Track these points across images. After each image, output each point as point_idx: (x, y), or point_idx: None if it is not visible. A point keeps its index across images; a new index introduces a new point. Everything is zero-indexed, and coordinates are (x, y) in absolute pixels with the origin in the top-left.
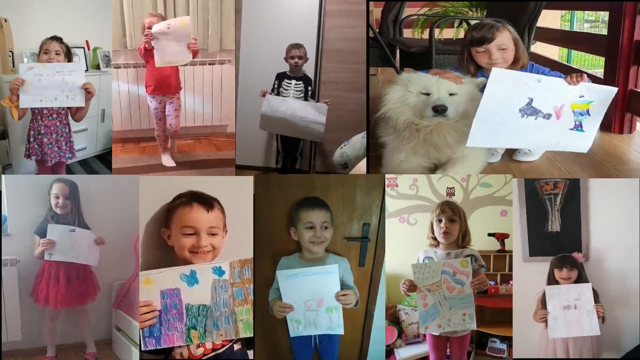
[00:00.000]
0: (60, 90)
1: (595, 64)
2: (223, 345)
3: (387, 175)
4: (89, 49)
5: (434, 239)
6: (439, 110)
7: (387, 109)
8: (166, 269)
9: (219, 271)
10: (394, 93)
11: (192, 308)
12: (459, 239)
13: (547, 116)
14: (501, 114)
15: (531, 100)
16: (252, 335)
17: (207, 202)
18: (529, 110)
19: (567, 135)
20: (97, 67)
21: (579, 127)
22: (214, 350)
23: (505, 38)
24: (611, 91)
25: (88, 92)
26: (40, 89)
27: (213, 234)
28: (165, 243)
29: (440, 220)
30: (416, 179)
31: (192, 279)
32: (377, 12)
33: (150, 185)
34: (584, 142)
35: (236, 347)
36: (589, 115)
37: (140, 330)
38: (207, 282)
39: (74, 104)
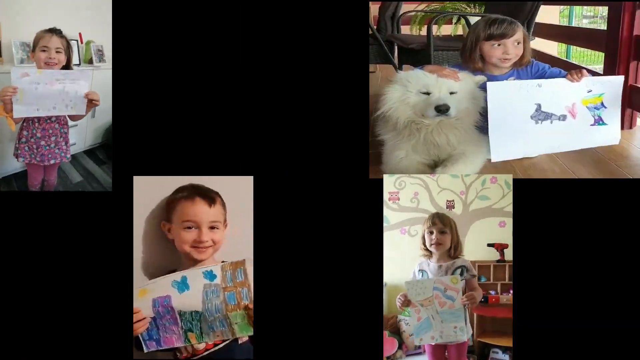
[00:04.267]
0: (60, 100)
1: (595, 60)
2: (224, 341)
3: (388, 190)
4: (82, 42)
5: (427, 249)
6: (442, 109)
7: (387, 108)
8: (159, 278)
9: (210, 275)
10: (393, 92)
11: (184, 314)
12: (451, 250)
13: (562, 117)
14: (513, 124)
15: (539, 105)
16: (250, 334)
17: (209, 196)
18: (541, 115)
19: (590, 132)
20: (90, 62)
21: (599, 121)
22: (215, 345)
23: (521, 34)
24: (617, 80)
25: (91, 102)
26: (37, 97)
27: (214, 228)
28: (165, 237)
29: (431, 232)
30: (417, 193)
31: (182, 285)
32: (374, 9)
33: (146, 185)
34: (610, 133)
35: (240, 340)
36: (605, 107)
37: (139, 335)
38: (198, 288)
39: (74, 113)
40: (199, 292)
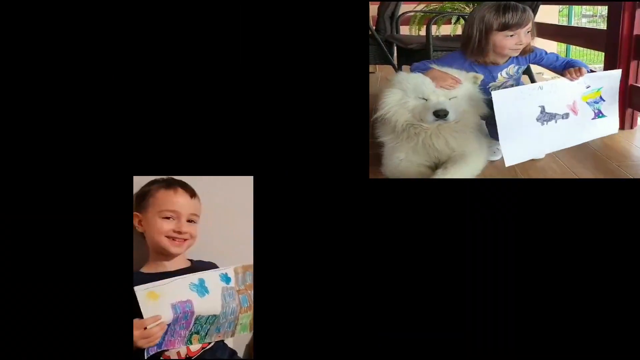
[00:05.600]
0: None
1: (595, 59)
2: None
3: None
4: None
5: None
6: (440, 114)
7: (386, 111)
8: (172, 279)
9: (226, 278)
10: (392, 96)
11: (201, 318)
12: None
13: (565, 116)
14: (521, 128)
15: (543, 107)
16: (245, 333)
17: (190, 188)
18: (546, 116)
19: (592, 125)
20: None
21: (599, 114)
22: (209, 342)
23: (531, 21)
24: (615, 73)
25: None
26: None
27: (191, 221)
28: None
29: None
30: None
31: (202, 289)
32: (372, 9)
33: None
34: (610, 124)
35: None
36: (604, 100)
37: None
38: (217, 291)
39: None
40: (218, 296)
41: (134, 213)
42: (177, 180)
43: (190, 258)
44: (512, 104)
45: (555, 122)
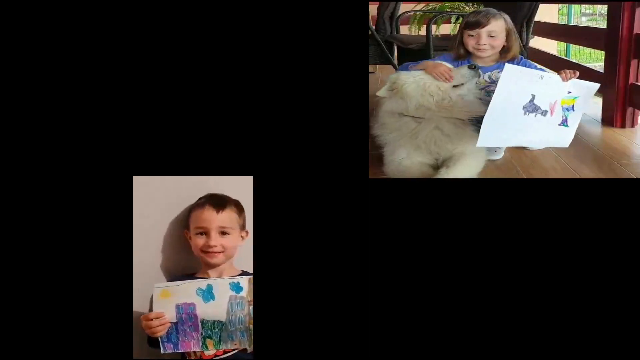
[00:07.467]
0: None
1: (595, 58)
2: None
3: None
4: None
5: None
6: (476, 66)
7: (417, 101)
8: (183, 281)
9: (237, 287)
10: (410, 85)
11: (207, 322)
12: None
13: (544, 113)
14: (508, 112)
15: (533, 97)
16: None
17: (219, 202)
18: (531, 107)
19: (554, 131)
20: None
21: (565, 122)
22: (225, 352)
23: (497, 26)
24: (594, 87)
25: None
26: None
27: (224, 234)
28: (188, 244)
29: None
30: None
31: (207, 294)
32: (372, 9)
33: (146, 185)
34: (566, 136)
35: (249, 349)
36: (574, 110)
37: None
38: (224, 299)
39: None
40: (224, 304)
41: (185, 231)
42: (210, 196)
43: (243, 269)
44: (516, 83)
45: (535, 116)
